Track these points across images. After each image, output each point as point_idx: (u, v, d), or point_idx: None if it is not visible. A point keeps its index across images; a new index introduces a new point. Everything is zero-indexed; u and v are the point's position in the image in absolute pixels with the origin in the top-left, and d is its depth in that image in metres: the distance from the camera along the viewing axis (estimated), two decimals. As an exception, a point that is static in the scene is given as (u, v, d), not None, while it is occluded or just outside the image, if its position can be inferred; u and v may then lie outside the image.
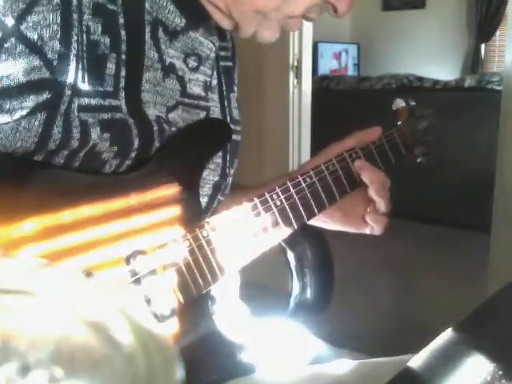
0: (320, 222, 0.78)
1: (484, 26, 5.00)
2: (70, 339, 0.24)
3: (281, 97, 2.35)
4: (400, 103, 0.85)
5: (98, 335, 0.24)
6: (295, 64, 2.32)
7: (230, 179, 0.75)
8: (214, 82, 0.73)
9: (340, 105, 3.57)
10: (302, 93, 2.36)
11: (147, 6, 0.60)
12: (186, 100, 0.66)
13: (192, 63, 0.67)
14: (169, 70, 0.63)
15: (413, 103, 0.85)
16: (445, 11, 4.92)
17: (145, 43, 0.59)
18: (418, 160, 0.88)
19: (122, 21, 0.56)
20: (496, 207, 1.93)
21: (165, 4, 0.61)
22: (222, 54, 0.75)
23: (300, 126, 2.38)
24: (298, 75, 2.34)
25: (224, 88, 0.75)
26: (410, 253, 2.77)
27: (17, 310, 0.25)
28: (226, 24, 0.65)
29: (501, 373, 0.46)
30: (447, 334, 0.53)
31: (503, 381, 0.45)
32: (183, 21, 0.63)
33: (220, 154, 0.71)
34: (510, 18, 1.94)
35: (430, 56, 4.94)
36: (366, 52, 5.15)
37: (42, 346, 0.23)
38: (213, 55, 0.71)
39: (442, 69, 4.87)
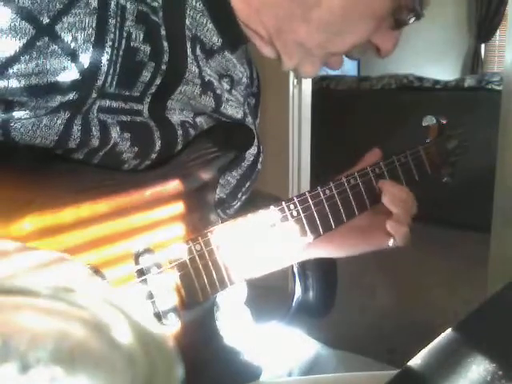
0: (341, 250, 0.77)
1: (484, 26, 5.00)
2: (70, 339, 0.24)
3: (281, 97, 2.34)
4: (430, 120, 0.82)
5: (98, 335, 0.24)
6: (295, 64, 2.32)
7: (238, 204, 0.73)
8: (247, 110, 0.73)
9: (340, 105, 3.56)
10: (302, 93, 2.35)
11: (187, 22, 0.59)
12: (215, 115, 0.66)
13: (226, 85, 0.67)
14: (207, 87, 0.63)
15: (444, 121, 0.83)
16: (445, 11, 4.92)
17: (187, 57, 0.59)
18: (444, 180, 0.84)
19: (163, 33, 0.56)
20: (496, 207, 1.93)
21: (204, 22, 0.61)
22: (248, 89, 0.75)
23: (300, 125, 2.38)
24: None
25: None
26: (410, 253, 2.76)
27: (17, 310, 0.25)
28: (267, 52, 0.64)
29: (501, 373, 0.46)
30: (447, 334, 0.53)
31: (503, 381, 0.45)
32: (220, 40, 0.63)
33: (236, 174, 0.70)
34: (510, 18, 1.94)
35: (430, 56, 4.94)
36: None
37: (42, 345, 0.23)
38: (245, 80, 0.70)
39: (442, 69, 4.87)
